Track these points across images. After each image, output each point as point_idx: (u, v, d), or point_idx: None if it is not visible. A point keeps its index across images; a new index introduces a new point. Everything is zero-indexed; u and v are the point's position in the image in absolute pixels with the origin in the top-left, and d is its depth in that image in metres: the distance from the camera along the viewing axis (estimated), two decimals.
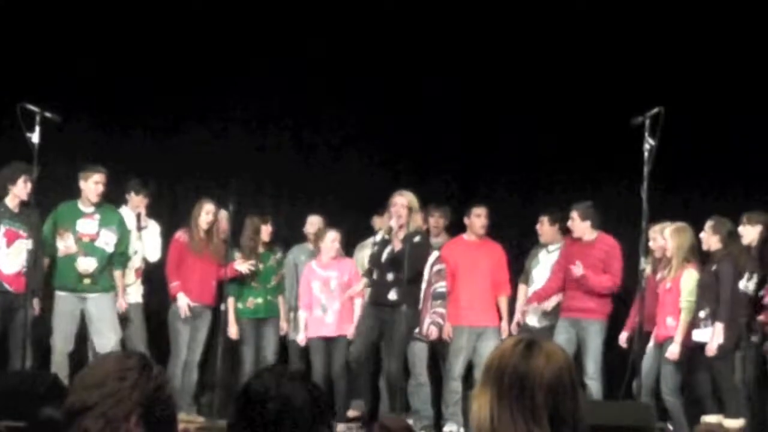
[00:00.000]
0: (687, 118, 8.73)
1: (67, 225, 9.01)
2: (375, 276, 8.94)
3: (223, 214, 9.42)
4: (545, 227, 9.53)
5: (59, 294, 8.98)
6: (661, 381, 8.67)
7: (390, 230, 8.84)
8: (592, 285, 9.11)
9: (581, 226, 9.23)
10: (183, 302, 9.35)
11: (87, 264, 8.98)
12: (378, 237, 9.01)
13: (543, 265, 9.52)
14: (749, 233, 8.52)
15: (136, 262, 9.47)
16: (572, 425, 2.44)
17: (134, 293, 9.45)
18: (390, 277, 8.82)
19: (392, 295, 8.79)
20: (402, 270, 8.73)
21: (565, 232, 9.55)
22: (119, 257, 9.15)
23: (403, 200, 8.81)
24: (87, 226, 9.05)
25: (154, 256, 9.55)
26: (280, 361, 9.60)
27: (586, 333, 9.10)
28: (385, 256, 8.84)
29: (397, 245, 8.78)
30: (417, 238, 8.74)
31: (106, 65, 10.04)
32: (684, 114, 8.40)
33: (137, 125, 10.34)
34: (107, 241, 9.08)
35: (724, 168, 9.39)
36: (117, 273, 9.15)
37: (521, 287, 9.58)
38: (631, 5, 9.66)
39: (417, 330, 9.16)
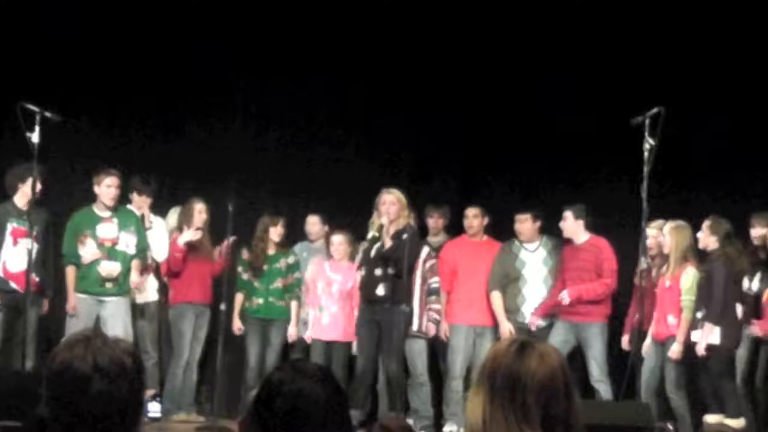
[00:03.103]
0: (687, 118, 8.72)
1: (87, 231, 9.03)
2: (364, 273, 8.99)
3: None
4: (528, 225, 9.51)
5: (78, 296, 9.00)
6: (666, 380, 8.68)
7: (381, 228, 8.88)
8: (588, 299, 9.11)
9: (573, 226, 9.22)
10: (186, 235, 9.32)
11: (111, 268, 9.00)
12: (369, 235, 9.05)
13: (532, 265, 9.51)
14: (758, 234, 8.55)
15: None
16: (565, 426, 2.44)
17: (150, 290, 9.47)
18: (378, 272, 8.88)
19: (380, 291, 8.85)
20: (390, 266, 8.80)
21: (545, 231, 9.55)
22: (137, 255, 9.18)
23: (391, 197, 8.89)
24: (107, 230, 9.07)
25: (162, 255, 9.55)
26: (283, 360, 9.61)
27: (586, 336, 9.08)
28: (373, 252, 8.90)
29: (387, 242, 8.83)
30: (406, 234, 8.79)
31: (106, 65, 10.04)
32: (684, 114, 8.39)
33: (137, 125, 10.34)
34: (128, 243, 9.11)
35: (724, 168, 9.38)
36: (134, 263, 9.13)
37: (495, 294, 9.47)
38: (631, 5, 9.66)
39: (416, 328, 9.19)
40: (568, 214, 9.24)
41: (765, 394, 8.44)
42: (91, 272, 9.00)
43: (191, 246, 9.44)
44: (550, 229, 9.59)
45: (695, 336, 8.48)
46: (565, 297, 9.05)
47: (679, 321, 8.65)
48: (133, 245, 9.14)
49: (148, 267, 9.47)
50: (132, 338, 8.92)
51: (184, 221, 9.50)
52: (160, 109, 10.32)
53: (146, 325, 9.41)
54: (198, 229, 9.41)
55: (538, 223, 9.54)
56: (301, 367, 2.55)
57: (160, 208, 9.80)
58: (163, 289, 9.61)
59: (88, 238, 9.02)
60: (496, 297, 9.48)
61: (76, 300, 8.99)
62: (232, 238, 9.32)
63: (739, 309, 8.50)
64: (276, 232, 9.68)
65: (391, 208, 8.89)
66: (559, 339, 8.88)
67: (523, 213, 9.52)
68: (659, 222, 8.78)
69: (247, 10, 10.20)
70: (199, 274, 9.48)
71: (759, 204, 8.98)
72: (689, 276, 8.67)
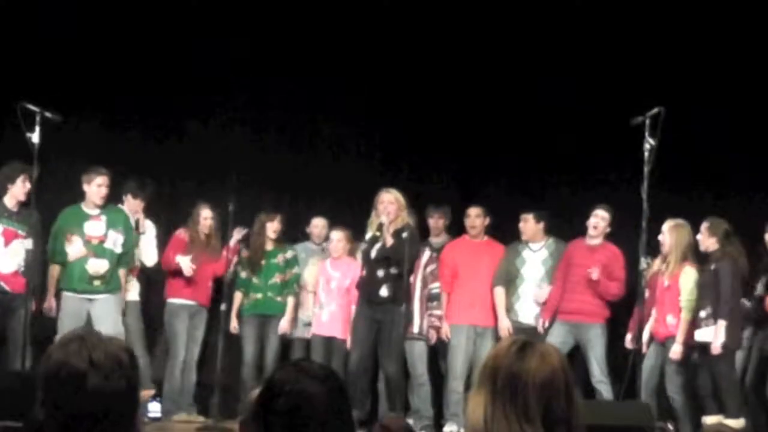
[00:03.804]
0: (687, 118, 8.72)
1: (74, 229, 9.00)
2: (365, 273, 8.98)
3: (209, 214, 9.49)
4: (530, 225, 9.53)
5: (66, 294, 8.97)
6: (666, 380, 8.68)
7: (380, 227, 8.87)
8: (602, 290, 9.11)
9: (605, 229, 9.24)
10: (184, 263, 9.40)
11: (98, 266, 8.97)
12: (368, 235, 9.04)
13: (532, 264, 9.52)
14: None
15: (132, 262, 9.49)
16: (566, 425, 2.44)
17: (131, 291, 9.46)
18: (380, 273, 8.89)
19: (384, 292, 8.86)
20: (392, 266, 8.80)
21: (550, 232, 9.55)
22: (125, 256, 9.16)
23: (390, 197, 8.91)
24: (94, 228, 9.05)
25: (151, 260, 9.57)
26: (281, 358, 9.61)
27: (587, 337, 9.10)
28: (374, 252, 8.90)
29: (388, 240, 8.83)
30: (406, 234, 8.80)
31: (106, 65, 10.04)
32: (684, 114, 8.39)
33: (137, 125, 10.35)
34: (115, 241, 9.08)
35: (723, 168, 9.38)
36: (122, 272, 9.15)
37: (499, 290, 9.53)
38: (631, 5, 9.66)
39: (417, 331, 9.21)
40: (607, 216, 9.23)
41: (755, 395, 8.48)
42: (78, 270, 8.95)
43: (196, 248, 9.48)
44: (551, 228, 9.60)
45: (700, 335, 8.48)
46: (595, 271, 9.03)
47: (678, 321, 8.65)
48: (121, 243, 9.11)
49: (134, 268, 9.47)
50: (123, 335, 8.91)
51: (191, 226, 9.54)
52: (160, 109, 10.31)
53: (131, 325, 9.37)
54: (192, 267, 9.42)
55: (542, 224, 9.54)
56: (304, 366, 2.54)
57: (159, 209, 9.79)
58: (144, 292, 9.59)
59: (74, 236, 8.99)
60: (499, 293, 9.50)
61: (53, 301, 8.96)
62: (244, 231, 9.38)
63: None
64: (272, 228, 9.69)
65: (389, 207, 8.90)
66: (558, 341, 8.87)
67: (527, 213, 9.53)
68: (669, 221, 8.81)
69: (246, 10, 10.20)
70: (198, 274, 9.50)
71: (759, 204, 8.99)
72: (688, 276, 8.67)
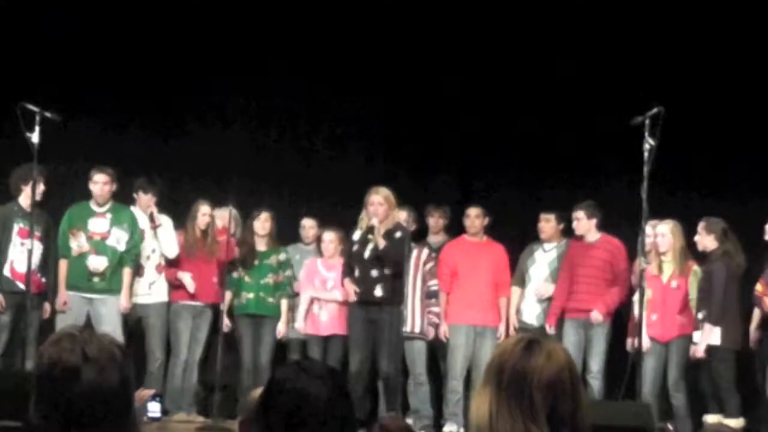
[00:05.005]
0: (687, 118, 8.72)
1: (80, 225, 9.11)
2: (357, 274, 8.92)
3: (226, 213, 9.42)
4: (551, 225, 9.50)
5: (68, 293, 9.03)
6: (669, 379, 8.71)
7: (371, 228, 8.83)
8: (611, 305, 9.10)
9: (587, 225, 9.23)
10: (186, 279, 9.40)
11: (98, 263, 9.03)
12: (356, 235, 8.98)
13: (539, 264, 9.52)
14: None
15: (155, 260, 9.49)
16: (571, 425, 2.43)
17: (160, 291, 9.47)
18: (374, 273, 8.84)
19: (378, 292, 8.84)
20: (386, 266, 8.77)
21: (567, 233, 9.55)
22: (128, 255, 9.18)
23: (378, 197, 8.87)
24: (98, 225, 9.12)
25: (172, 252, 9.53)
26: (279, 359, 9.60)
27: (593, 333, 9.11)
28: (368, 253, 8.86)
29: (380, 242, 8.79)
30: (398, 234, 8.78)
31: (106, 65, 10.04)
32: (684, 114, 8.39)
33: (137, 125, 10.35)
34: (118, 239, 9.14)
35: (724, 168, 9.39)
36: (126, 270, 9.18)
37: (514, 289, 9.55)
38: (631, 5, 9.66)
39: (419, 330, 9.20)
40: (580, 214, 9.24)
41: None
42: (79, 266, 9.04)
43: (191, 247, 9.48)
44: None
45: (697, 337, 8.50)
46: (598, 317, 9.03)
47: (690, 320, 8.65)
48: (124, 242, 9.16)
49: (158, 267, 9.48)
50: (121, 339, 8.90)
51: (188, 224, 9.53)
52: (160, 109, 10.32)
53: (154, 326, 9.40)
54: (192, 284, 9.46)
55: (561, 226, 9.54)
56: (307, 366, 2.53)
57: (160, 208, 9.78)
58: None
59: (79, 232, 9.08)
60: (513, 293, 9.53)
61: (65, 296, 9.01)
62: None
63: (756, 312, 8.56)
64: (261, 226, 9.65)
65: (379, 209, 8.86)
66: (572, 340, 8.91)
67: (548, 213, 9.51)
68: (651, 222, 8.79)
69: (247, 10, 10.19)
70: (199, 273, 9.48)
71: (758, 204, 8.99)
72: (697, 275, 8.70)
